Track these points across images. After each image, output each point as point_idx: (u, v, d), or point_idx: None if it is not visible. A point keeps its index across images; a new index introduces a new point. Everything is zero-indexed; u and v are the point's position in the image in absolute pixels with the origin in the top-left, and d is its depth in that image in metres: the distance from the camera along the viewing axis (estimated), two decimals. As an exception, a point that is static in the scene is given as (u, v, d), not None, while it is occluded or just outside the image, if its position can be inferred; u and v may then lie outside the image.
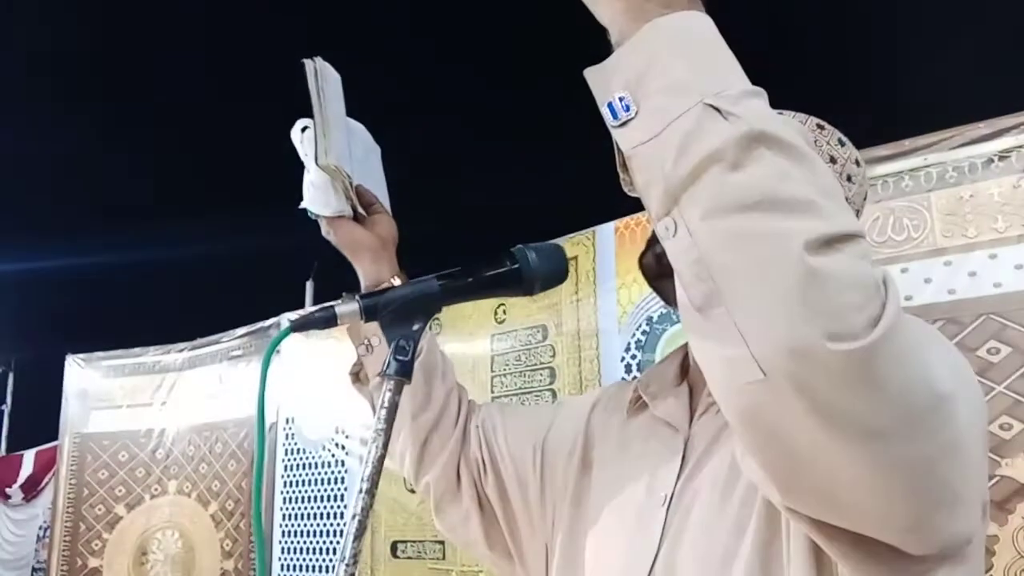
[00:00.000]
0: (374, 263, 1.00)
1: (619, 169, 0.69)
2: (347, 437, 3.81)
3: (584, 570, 0.91)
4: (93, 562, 4.65)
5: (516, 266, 0.73)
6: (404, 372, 0.68)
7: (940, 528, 0.63)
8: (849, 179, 0.93)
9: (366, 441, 3.22)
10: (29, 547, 6.36)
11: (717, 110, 0.57)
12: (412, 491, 3.46)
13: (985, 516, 0.69)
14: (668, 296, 0.87)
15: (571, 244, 2.96)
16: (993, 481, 2.19)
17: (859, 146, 2.62)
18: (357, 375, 1.07)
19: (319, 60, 0.88)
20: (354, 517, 0.63)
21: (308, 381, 3.92)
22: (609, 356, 2.88)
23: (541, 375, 3.11)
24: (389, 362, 0.69)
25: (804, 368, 0.53)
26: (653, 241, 0.90)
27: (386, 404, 0.68)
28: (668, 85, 0.59)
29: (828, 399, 0.54)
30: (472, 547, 1.06)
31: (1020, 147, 2.27)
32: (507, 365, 3.22)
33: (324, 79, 0.87)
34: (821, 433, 0.55)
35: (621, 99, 0.60)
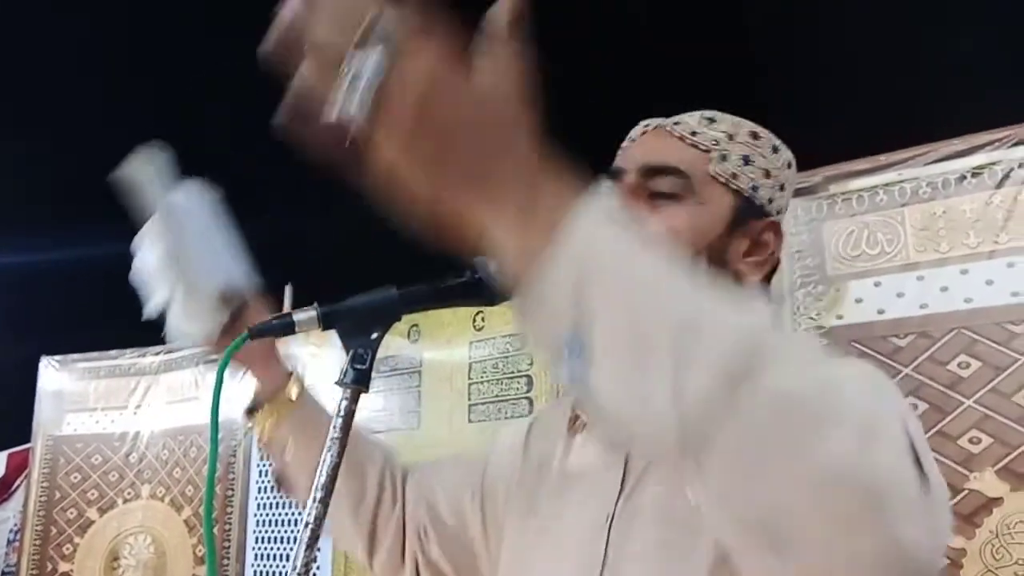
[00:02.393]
0: (266, 368, 0.97)
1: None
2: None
3: None
4: (64, 566, 4.59)
5: (477, 276, 0.74)
6: (361, 381, 0.68)
7: None
8: (782, 188, 0.92)
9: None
10: (-1, 550, 6.29)
11: (696, 331, 0.47)
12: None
13: None
14: None
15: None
16: (961, 495, 2.22)
17: (835, 160, 2.64)
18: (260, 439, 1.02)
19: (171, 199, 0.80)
20: (307, 526, 0.63)
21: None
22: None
23: (518, 383, 3.11)
24: (346, 371, 0.69)
25: None
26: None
27: (342, 413, 0.68)
28: (622, 316, 0.49)
29: None
30: None
31: (993, 164, 2.31)
32: (485, 372, 3.22)
33: (173, 213, 0.80)
34: None
35: (572, 345, 0.49)
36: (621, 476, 0.86)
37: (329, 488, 0.65)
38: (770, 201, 0.90)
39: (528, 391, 3.08)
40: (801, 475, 0.47)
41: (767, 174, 0.89)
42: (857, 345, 2.42)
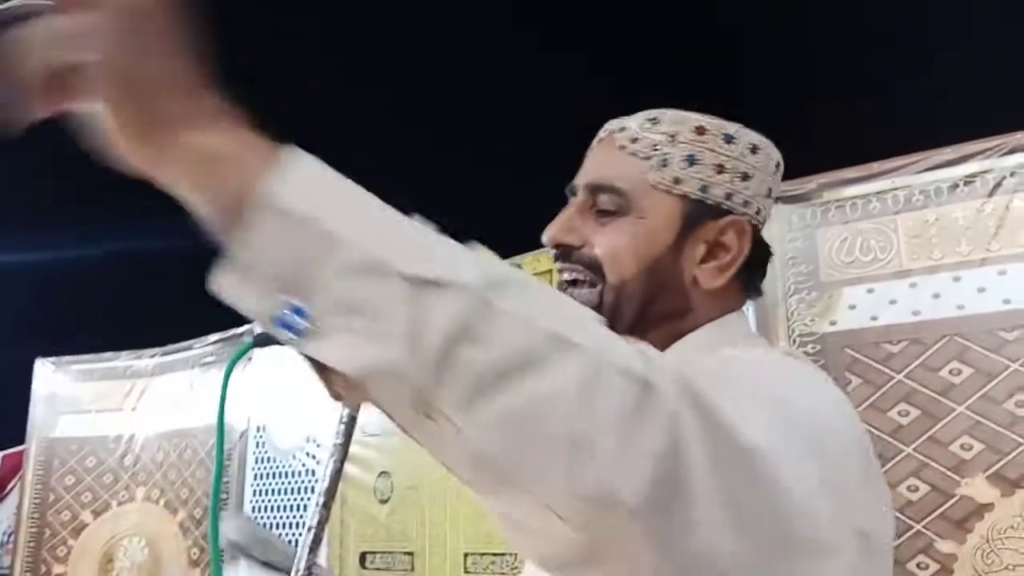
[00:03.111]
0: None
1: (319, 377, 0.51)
2: (318, 447, 3.80)
3: None
4: (58, 569, 4.59)
5: None
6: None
7: None
8: (745, 177, 0.85)
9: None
10: (-8, 552, 6.27)
11: (425, 281, 0.47)
12: (383, 502, 3.45)
13: (866, 550, 0.63)
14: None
15: (546, 259, 2.98)
16: (952, 501, 2.23)
17: (829, 168, 2.65)
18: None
19: None
20: (310, 529, 0.64)
21: (280, 389, 3.91)
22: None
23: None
24: None
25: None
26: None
27: (344, 419, 0.70)
28: (343, 270, 0.46)
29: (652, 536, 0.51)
30: None
31: (985, 172, 2.33)
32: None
33: None
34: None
35: (292, 307, 0.47)
36: None
37: (331, 492, 0.66)
38: (728, 197, 0.84)
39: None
40: (522, 421, 0.48)
41: (719, 169, 0.84)
42: (850, 351, 2.44)
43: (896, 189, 2.45)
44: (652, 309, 0.85)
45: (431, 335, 0.46)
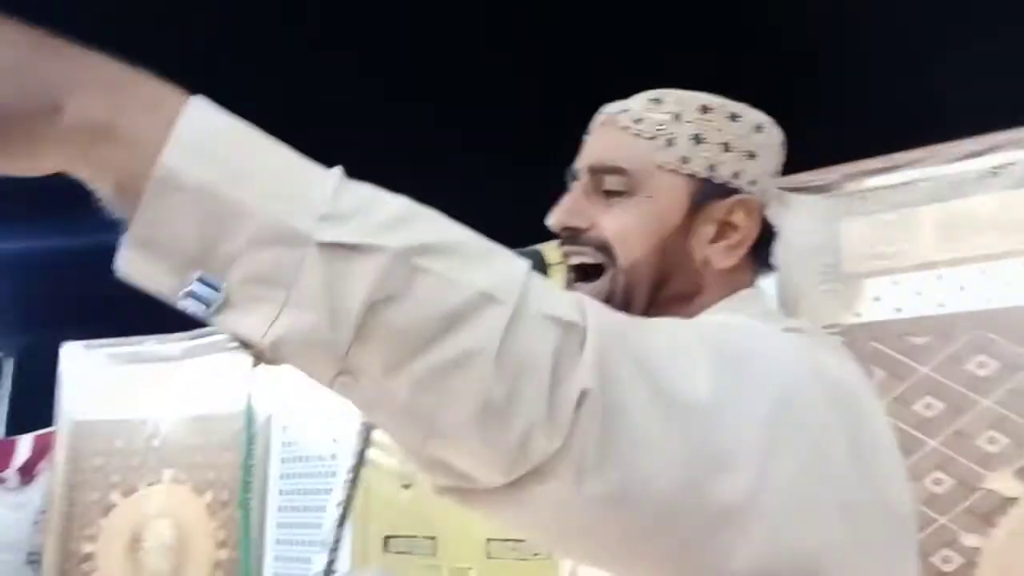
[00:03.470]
0: None
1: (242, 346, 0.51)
2: (341, 430, 3.84)
3: None
4: (88, 548, 4.68)
5: None
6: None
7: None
8: (751, 156, 0.84)
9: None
10: (25, 531, 6.38)
11: (341, 246, 0.46)
12: (405, 487, 3.49)
13: (853, 521, 0.62)
14: None
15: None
16: (978, 495, 2.22)
17: (852, 158, 2.62)
18: None
19: None
20: (338, 505, 0.66)
21: (304, 372, 3.95)
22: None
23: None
24: None
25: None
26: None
27: None
28: (253, 240, 0.45)
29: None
30: None
31: (1012, 164, 2.30)
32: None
33: None
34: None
35: (201, 280, 0.45)
36: None
37: (357, 469, 0.68)
38: (735, 176, 0.83)
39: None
40: (443, 380, 0.48)
41: (726, 147, 0.83)
42: (874, 343, 2.43)
43: (922, 180, 2.43)
44: (664, 290, 0.84)
45: (349, 300, 0.46)
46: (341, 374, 0.49)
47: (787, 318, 0.93)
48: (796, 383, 0.62)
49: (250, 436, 4.30)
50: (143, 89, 0.46)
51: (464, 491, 0.55)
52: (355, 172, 0.50)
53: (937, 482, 2.26)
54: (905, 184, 2.45)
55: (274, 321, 0.46)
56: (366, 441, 0.69)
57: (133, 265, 0.47)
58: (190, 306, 0.46)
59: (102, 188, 0.47)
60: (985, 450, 2.23)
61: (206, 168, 0.45)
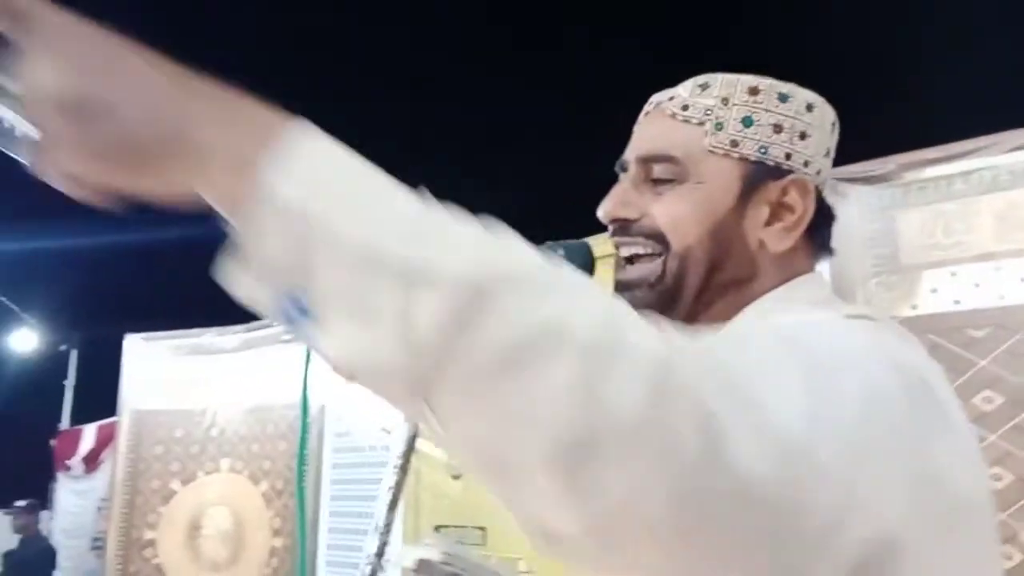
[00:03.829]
0: None
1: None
2: (393, 421, 3.88)
3: None
4: (149, 534, 4.81)
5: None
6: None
7: None
8: (803, 136, 0.83)
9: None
10: (89, 517, 6.59)
11: (422, 274, 0.46)
12: (455, 478, 3.52)
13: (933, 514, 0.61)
14: None
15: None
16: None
17: (910, 148, 2.57)
18: None
19: None
20: (389, 490, 0.68)
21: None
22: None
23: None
24: None
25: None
26: None
27: None
28: (339, 264, 0.47)
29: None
30: None
31: (1075, 152, 2.24)
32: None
33: None
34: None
35: (292, 297, 0.48)
36: None
37: (407, 455, 0.70)
38: (788, 157, 0.82)
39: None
40: (519, 417, 0.47)
41: (777, 129, 0.82)
42: (932, 336, 2.38)
43: (982, 169, 2.37)
44: (718, 275, 0.83)
45: (423, 330, 0.45)
46: (417, 399, 0.48)
47: (847, 304, 0.90)
48: (878, 381, 0.61)
49: (304, 426, 4.38)
50: (256, 117, 0.50)
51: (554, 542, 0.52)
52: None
53: (996, 478, 2.21)
54: (964, 174, 2.40)
55: (353, 344, 0.48)
56: (416, 428, 0.71)
57: (234, 275, 0.49)
58: (283, 322, 0.49)
59: (217, 207, 0.50)
60: (1042, 443, 2.18)
61: (303, 192, 0.47)
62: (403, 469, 0.68)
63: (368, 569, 0.66)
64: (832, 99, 0.88)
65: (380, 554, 0.66)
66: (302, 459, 4.35)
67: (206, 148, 0.48)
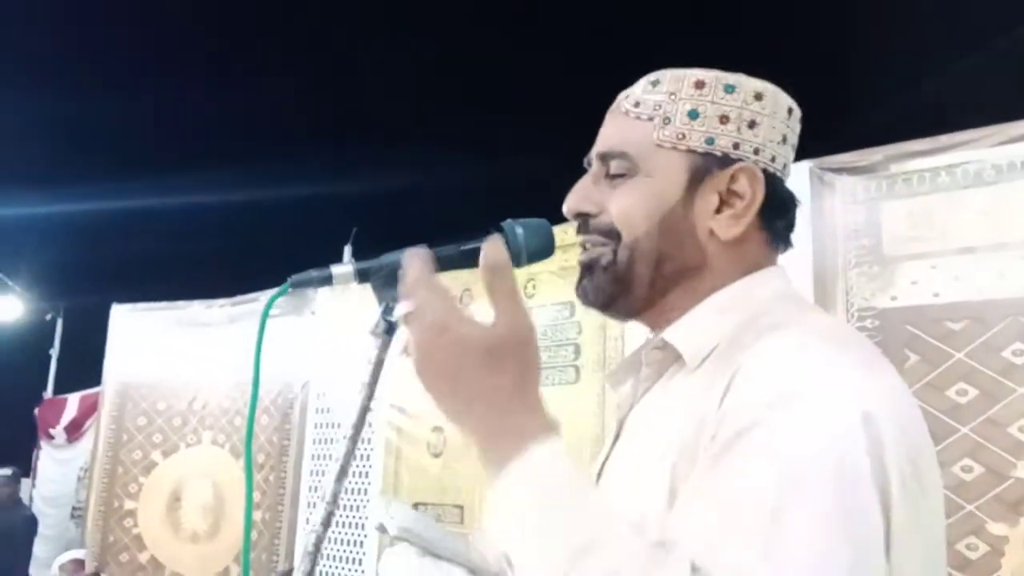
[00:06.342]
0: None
1: None
2: (375, 399, 3.89)
3: None
4: (129, 504, 4.82)
5: (503, 239, 0.78)
6: (391, 331, 0.73)
7: None
8: (752, 125, 0.85)
9: (394, 404, 3.26)
10: (70, 486, 6.60)
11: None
12: (435, 456, 3.54)
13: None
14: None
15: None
16: (1007, 483, 2.19)
17: (897, 139, 2.56)
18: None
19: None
20: (336, 461, 0.68)
21: (340, 341, 4.01)
22: (633, 336, 2.91)
23: (566, 351, 3.15)
24: (378, 322, 0.75)
25: None
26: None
27: (372, 360, 0.74)
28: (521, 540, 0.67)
29: None
30: None
31: (1060, 148, 2.25)
32: (535, 339, 3.26)
33: None
34: None
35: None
36: (615, 438, 0.91)
37: (358, 427, 0.70)
38: (736, 146, 0.84)
39: (576, 359, 3.12)
40: None
41: (723, 119, 0.84)
42: (910, 328, 2.39)
43: (967, 163, 2.38)
44: (667, 266, 0.85)
45: None
46: None
47: (807, 303, 0.92)
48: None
49: (287, 402, 4.39)
50: (516, 437, 0.67)
51: None
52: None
53: (966, 469, 2.23)
54: (949, 167, 2.40)
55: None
56: (368, 399, 0.71)
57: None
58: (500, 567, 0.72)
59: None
60: (1017, 439, 2.20)
61: (521, 485, 0.67)
62: (353, 439, 0.68)
63: (313, 538, 0.66)
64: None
65: (326, 523, 0.66)
66: (283, 434, 4.37)
67: (483, 452, 0.68)
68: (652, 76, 0.88)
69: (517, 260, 0.78)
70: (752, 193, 0.84)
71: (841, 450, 0.64)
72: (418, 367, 0.67)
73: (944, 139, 2.41)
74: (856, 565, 0.62)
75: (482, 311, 0.67)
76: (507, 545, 0.69)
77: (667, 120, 0.85)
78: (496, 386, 0.67)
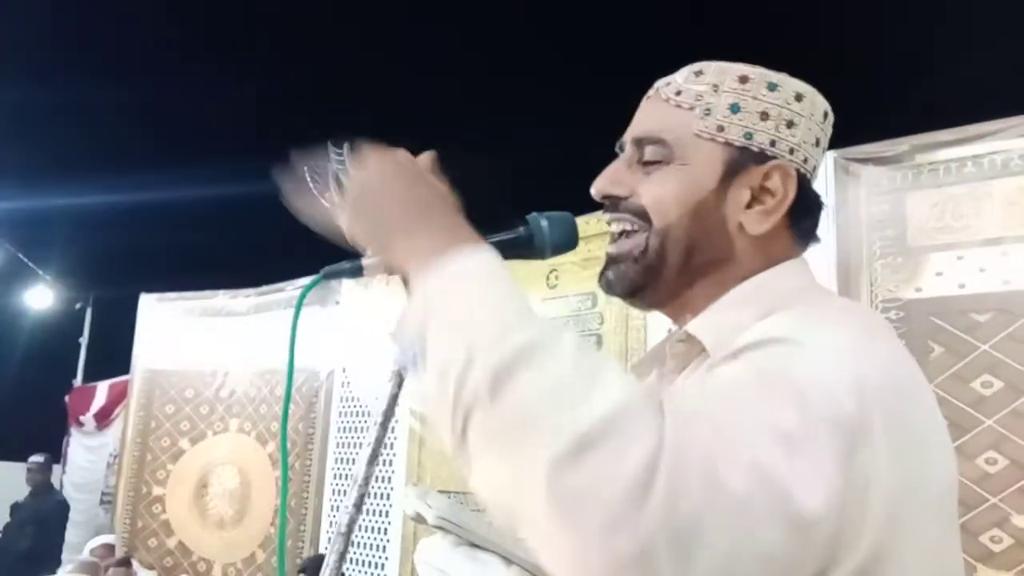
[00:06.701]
0: None
1: None
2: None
3: None
4: (157, 490, 4.90)
5: (529, 232, 0.79)
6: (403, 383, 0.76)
7: None
8: (790, 124, 0.86)
9: (415, 391, 3.30)
10: (99, 473, 6.70)
11: (476, 352, 0.62)
12: (459, 445, 3.57)
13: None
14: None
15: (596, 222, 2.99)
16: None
17: (923, 130, 2.54)
18: None
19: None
20: (368, 445, 0.71)
21: (365, 331, 4.05)
22: (656, 326, 2.92)
23: (588, 342, 3.17)
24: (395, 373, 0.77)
25: None
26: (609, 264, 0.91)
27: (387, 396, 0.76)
28: (439, 338, 0.65)
29: None
30: None
31: (1088, 139, 2.22)
32: (558, 329, 3.27)
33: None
34: None
35: (415, 354, 0.66)
36: None
37: (389, 413, 0.72)
38: (773, 143, 0.85)
39: (598, 350, 3.13)
40: (520, 471, 0.59)
41: (763, 116, 0.85)
42: (934, 319, 2.38)
43: (993, 153, 2.36)
44: (696, 255, 0.86)
45: (468, 390, 0.61)
46: (456, 439, 0.63)
47: (830, 293, 0.92)
48: (868, 384, 0.66)
49: (312, 391, 4.44)
50: (443, 239, 0.70)
51: None
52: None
53: (991, 461, 2.22)
54: (975, 157, 2.39)
55: (430, 391, 0.65)
56: (398, 387, 0.73)
57: (399, 328, 0.69)
58: (409, 370, 0.69)
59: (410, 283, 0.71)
60: (1041, 431, 2.19)
61: (445, 287, 0.67)
62: (383, 426, 0.70)
63: (345, 518, 0.68)
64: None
65: (359, 506, 0.69)
66: (308, 422, 4.42)
67: (407, 258, 0.71)
68: (696, 66, 0.89)
69: (542, 253, 0.80)
70: (784, 191, 0.85)
71: (824, 379, 0.65)
72: (351, 198, 0.75)
73: (970, 129, 2.39)
74: (803, 441, 0.61)
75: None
76: (432, 330, 0.66)
77: (708, 111, 0.85)
78: (427, 195, 0.74)
